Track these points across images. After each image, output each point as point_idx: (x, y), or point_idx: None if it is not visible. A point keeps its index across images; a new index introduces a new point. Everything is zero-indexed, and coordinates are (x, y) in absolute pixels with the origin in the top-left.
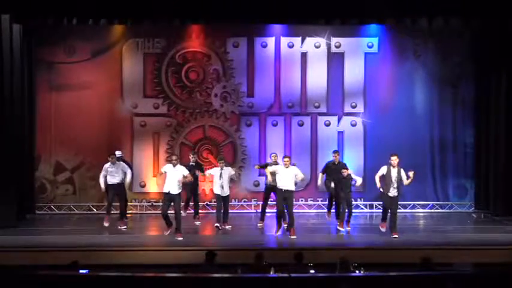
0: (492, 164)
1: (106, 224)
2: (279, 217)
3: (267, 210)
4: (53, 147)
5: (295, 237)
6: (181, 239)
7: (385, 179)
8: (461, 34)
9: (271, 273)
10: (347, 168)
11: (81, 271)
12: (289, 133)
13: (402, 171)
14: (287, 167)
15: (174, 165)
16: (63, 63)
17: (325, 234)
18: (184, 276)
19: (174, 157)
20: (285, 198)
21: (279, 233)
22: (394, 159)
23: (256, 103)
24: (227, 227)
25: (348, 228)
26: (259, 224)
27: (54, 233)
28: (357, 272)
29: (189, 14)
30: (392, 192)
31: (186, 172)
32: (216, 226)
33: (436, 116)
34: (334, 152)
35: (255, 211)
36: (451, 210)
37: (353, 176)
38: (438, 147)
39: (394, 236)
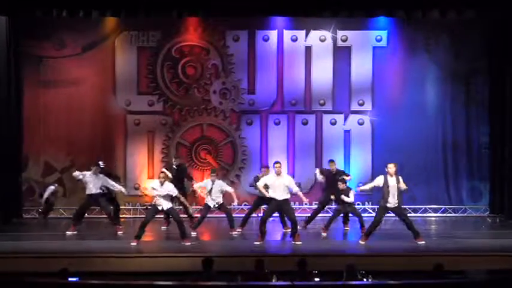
0: (508, 165)
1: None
2: (263, 225)
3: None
4: (41, 147)
5: (300, 243)
6: (190, 243)
7: (383, 189)
8: (475, 28)
9: (273, 281)
10: (348, 175)
11: (70, 279)
12: (293, 132)
13: (401, 179)
14: (278, 174)
15: (162, 184)
16: (52, 58)
17: (331, 240)
18: (181, 285)
19: (161, 175)
20: (281, 207)
21: (261, 241)
22: (391, 168)
23: (258, 100)
24: (233, 233)
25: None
26: (236, 231)
27: (42, 238)
28: (365, 280)
29: (186, 6)
30: (392, 202)
31: (174, 193)
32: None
33: (449, 114)
34: (330, 161)
35: (256, 215)
36: (465, 215)
37: (350, 194)
38: (451, 148)
39: (420, 242)
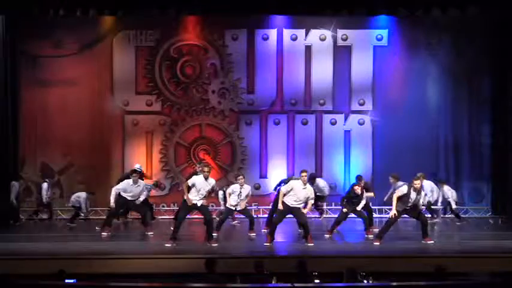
0: (511, 166)
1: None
2: (275, 227)
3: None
4: (38, 148)
5: (312, 244)
6: (217, 244)
7: (402, 198)
8: (476, 26)
9: (272, 282)
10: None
11: (68, 281)
12: (292, 132)
13: (423, 194)
14: (304, 184)
15: (206, 178)
16: (49, 57)
17: (331, 241)
18: (180, 287)
19: (206, 168)
20: (291, 212)
21: (270, 243)
22: (417, 184)
23: (257, 100)
24: (251, 234)
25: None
26: (254, 233)
27: (39, 240)
28: (365, 281)
29: (184, 4)
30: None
31: (215, 185)
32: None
33: (450, 114)
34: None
35: (255, 216)
36: (467, 216)
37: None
38: (452, 148)
39: (429, 242)
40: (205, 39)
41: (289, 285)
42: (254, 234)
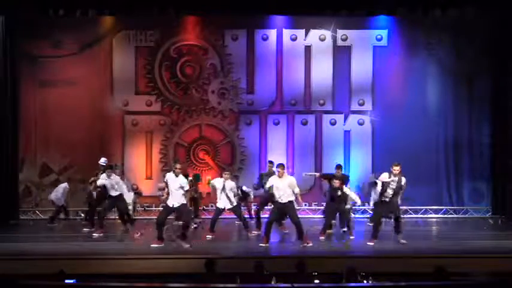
0: (511, 166)
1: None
2: (269, 228)
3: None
4: (38, 148)
5: (310, 244)
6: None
7: (383, 186)
8: (477, 26)
9: (272, 283)
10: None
11: (67, 281)
12: (292, 132)
13: (404, 180)
14: (281, 177)
15: (177, 175)
16: (49, 58)
17: (330, 241)
18: (179, 287)
19: (178, 165)
20: (284, 211)
21: (266, 244)
22: (397, 169)
23: (257, 100)
24: (250, 234)
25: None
26: (252, 232)
27: (39, 240)
28: (365, 282)
29: (184, 4)
30: (388, 197)
31: (186, 186)
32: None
33: (450, 114)
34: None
35: (255, 216)
36: (466, 216)
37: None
38: (452, 148)
39: (402, 241)
40: (205, 39)
41: (289, 285)
42: (254, 234)
